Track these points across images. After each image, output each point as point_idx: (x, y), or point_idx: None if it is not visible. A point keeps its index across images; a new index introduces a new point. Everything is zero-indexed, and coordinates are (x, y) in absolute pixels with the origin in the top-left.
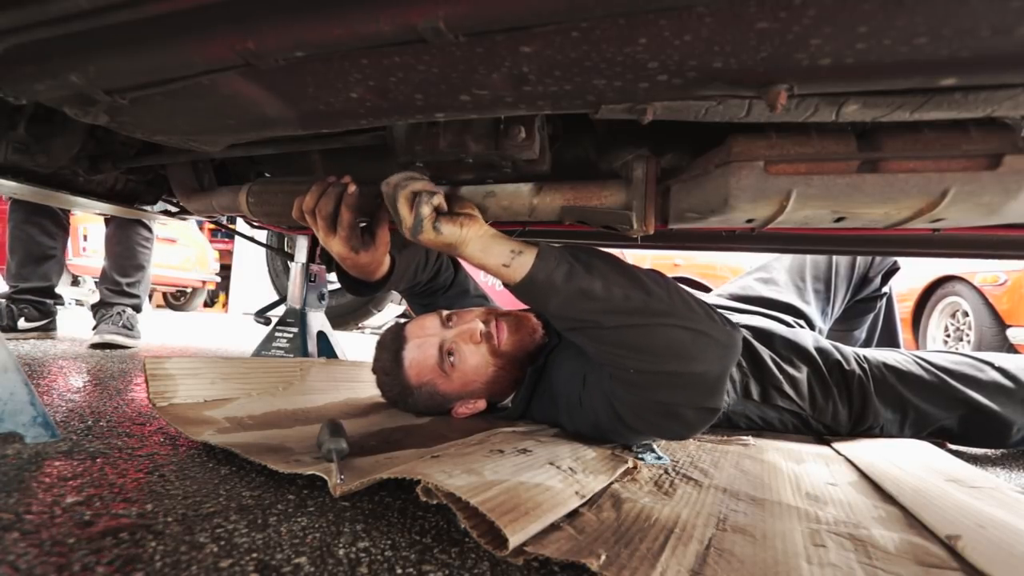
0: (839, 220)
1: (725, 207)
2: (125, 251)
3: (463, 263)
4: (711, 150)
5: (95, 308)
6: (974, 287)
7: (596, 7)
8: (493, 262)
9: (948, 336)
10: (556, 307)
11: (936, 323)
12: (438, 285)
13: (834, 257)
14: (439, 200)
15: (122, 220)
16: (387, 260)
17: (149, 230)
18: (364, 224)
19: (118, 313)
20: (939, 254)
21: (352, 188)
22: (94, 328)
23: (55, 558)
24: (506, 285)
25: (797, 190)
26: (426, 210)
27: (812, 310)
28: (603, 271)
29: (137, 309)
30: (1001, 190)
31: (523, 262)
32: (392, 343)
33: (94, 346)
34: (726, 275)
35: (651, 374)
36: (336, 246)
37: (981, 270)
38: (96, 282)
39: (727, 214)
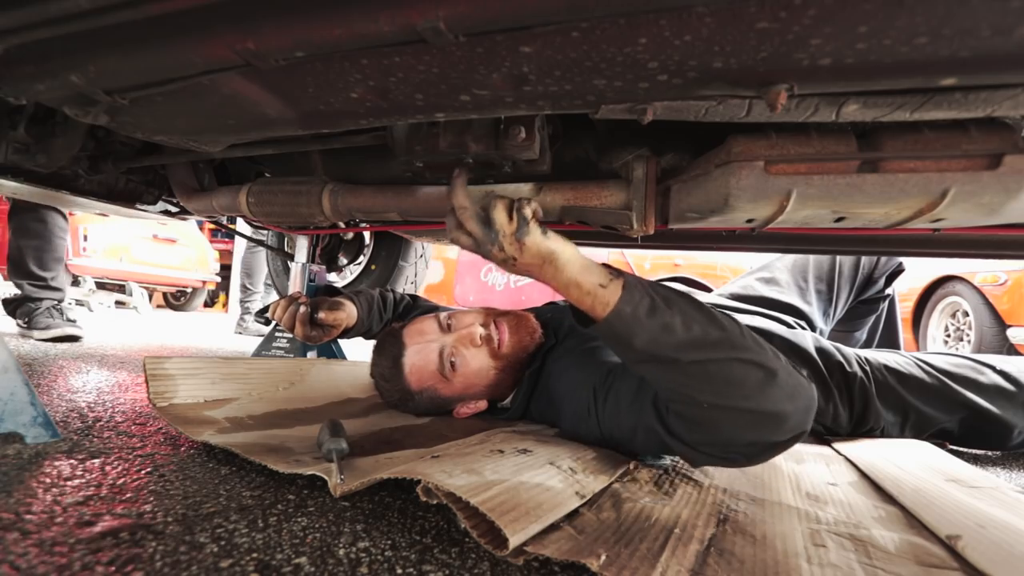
0: (839, 220)
1: (725, 207)
2: (44, 243)
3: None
4: (711, 150)
5: (19, 302)
6: (974, 287)
7: (596, 7)
8: (592, 280)
9: (948, 336)
10: (636, 343)
11: (936, 323)
12: (399, 314)
13: (838, 257)
14: (537, 207)
15: (34, 207)
16: (354, 312)
17: (64, 218)
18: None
19: (55, 307)
20: (939, 254)
21: (303, 309)
22: (30, 324)
23: (55, 558)
24: (583, 318)
25: (797, 190)
26: (528, 212)
27: (813, 310)
28: (681, 307)
29: (61, 302)
30: (1001, 190)
31: (614, 290)
32: (391, 348)
33: (53, 340)
34: (726, 275)
35: (722, 411)
36: (301, 338)
37: (981, 270)
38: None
39: (727, 214)
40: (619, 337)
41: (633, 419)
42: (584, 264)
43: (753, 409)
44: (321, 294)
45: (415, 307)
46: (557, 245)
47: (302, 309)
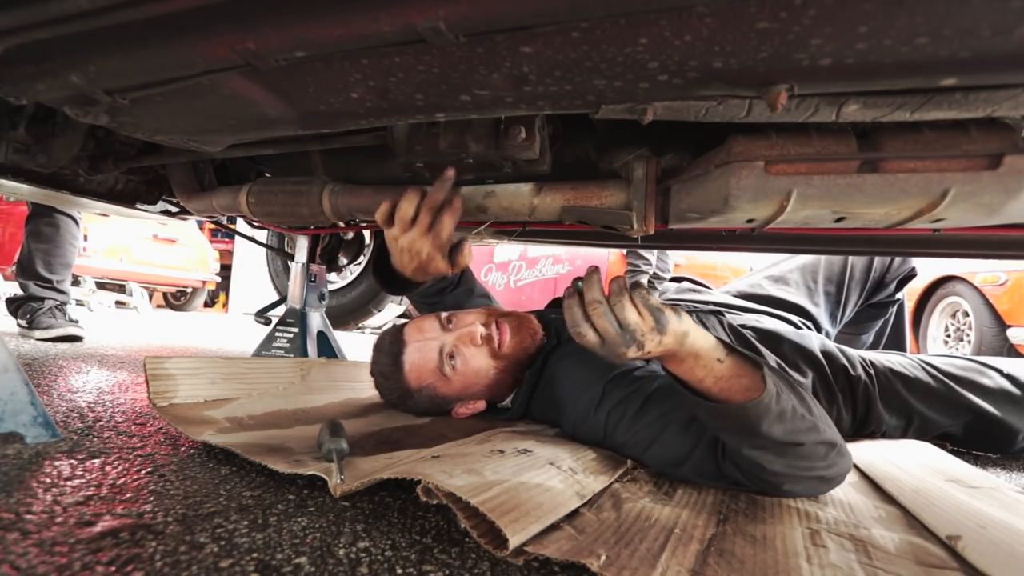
0: (839, 220)
1: (725, 207)
2: (54, 248)
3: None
4: (711, 150)
5: (21, 301)
6: (974, 287)
7: (596, 7)
8: (713, 355)
9: (948, 336)
10: (764, 428)
11: (936, 323)
12: (445, 283)
13: (850, 259)
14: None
15: (48, 211)
16: None
17: (77, 224)
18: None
19: (58, 308)
20: (939, 254)
21: (457, 203)
22: (31, 324)
23: (55, 558)
24: (704, 395)
25: (797, 190)
26: (657, 300)
27: (821, 312)
28: (790, 393)
29: (65, 304)
30: (1001, 190)
31: (740, 368)
32: (391, 346)
33: (54, 339)
34: (726, 275)
35: (789, 476)
36: (428, 247)
37: (981, 270)
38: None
39: (727, 214)
40: (745, 422)
41: (653, 434)
42: (700, 333)
43: (815, 476)
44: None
45: (461, 281)
46: (687, 323)
47: (457, 203)
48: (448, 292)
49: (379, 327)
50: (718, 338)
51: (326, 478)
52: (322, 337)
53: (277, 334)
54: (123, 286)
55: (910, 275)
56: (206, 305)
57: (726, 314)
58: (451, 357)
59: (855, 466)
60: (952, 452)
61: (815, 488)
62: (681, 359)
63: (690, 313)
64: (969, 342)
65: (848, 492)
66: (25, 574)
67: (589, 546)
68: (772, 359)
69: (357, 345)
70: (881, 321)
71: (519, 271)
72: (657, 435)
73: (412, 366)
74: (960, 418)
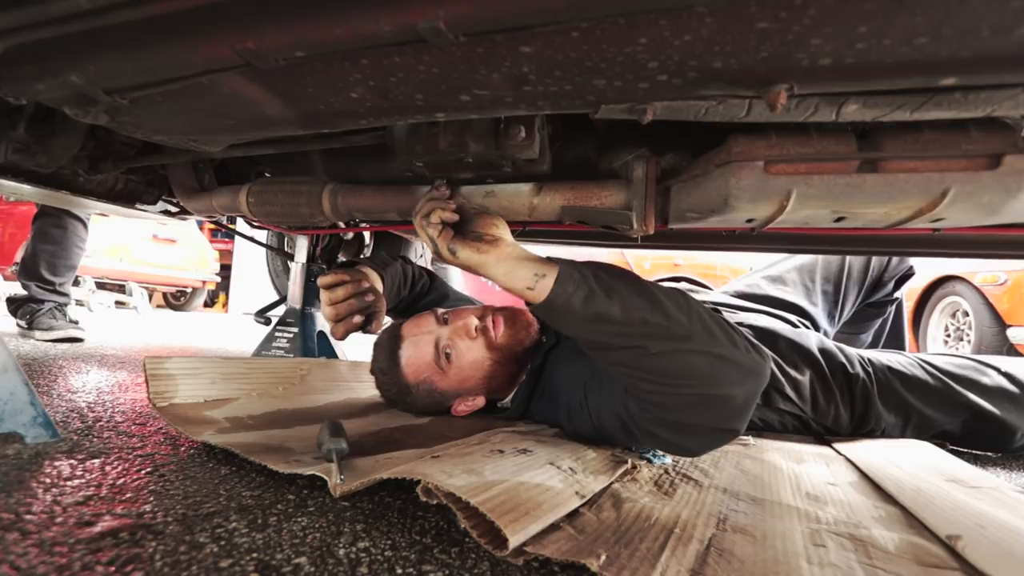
0: (839, 220)
1: (725, 207)
2: (59, 250)
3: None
4: (711, 150)
5: (21, 302)
6: (974, 287)
7: (596, 7)
8: (518, 285)
9: (948, 336)
10: (573, 330)
11: (936, 323)
12: (415, 295)
13: (847, 259)
14: (444, 216)
15: (58, 213)
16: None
17: (85, 227)
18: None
19: (58, 308)
20: (939, 254)
21: (358, 319)
22: (32, 324)
23: (55, 558)
24: (529, 306)
25: (797, 190)
26: (433, 232)
27: (818, 311)
28: (623, 294)
29: (66, 305)
30: (1001, 190)
31: (546, 285)
32: (389, 342)
33: (55, 340)
34: (726, 275)
35: (665, 395)
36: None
37: (981, 270)
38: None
39: (727, 214)
40: (553, 324)
41: (610, 400)
42: (508, 270)
43: (698, 394)
44: (341, 264)
45: (431, 289)
46: (471, 260)
47: (356, 319)
48: (419, 302)
49: None
50: (548, 259)
51: (326, 478)
52: (322, 337)
53: (277, 334)
54: (123, 286)
55: (908, 274)
56: (206, 305)
57: (723, 313)
58: (447, 349)
59: (855, 466)
60: (952, 452)
61: (707, 413)
62: (503, 282)
63: None
64: (969, 342)
65: (848, 492)
66: (25, 574)
67: (589, 546)
68: (770, 356)
69: (357, 345)
70: (880, 320)
71: None
72: (603, 402)
73: (409, 360)
74: (958, 416)
